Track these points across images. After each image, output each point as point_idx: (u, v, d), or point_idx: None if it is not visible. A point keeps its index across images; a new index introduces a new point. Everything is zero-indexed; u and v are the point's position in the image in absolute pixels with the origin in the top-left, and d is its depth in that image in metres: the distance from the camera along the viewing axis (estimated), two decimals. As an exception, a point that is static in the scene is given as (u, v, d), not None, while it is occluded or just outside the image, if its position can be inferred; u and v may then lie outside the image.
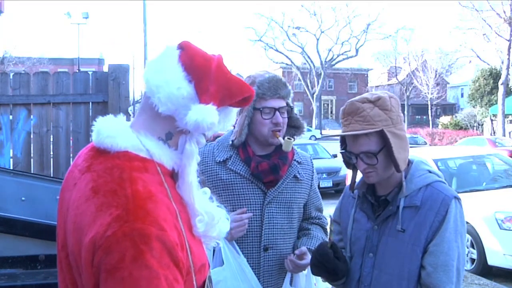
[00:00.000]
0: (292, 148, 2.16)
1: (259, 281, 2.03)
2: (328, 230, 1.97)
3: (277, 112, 2.06)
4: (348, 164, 1.82)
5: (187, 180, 1.18)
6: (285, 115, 2.11)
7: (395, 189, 1.74)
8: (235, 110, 1.27)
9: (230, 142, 2.12)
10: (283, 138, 2.08)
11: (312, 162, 2.30)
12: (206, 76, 1.17)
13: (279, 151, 2.13)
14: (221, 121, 1.21)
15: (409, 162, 1.77)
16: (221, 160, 2.10)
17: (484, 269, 6.13)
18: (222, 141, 2.18)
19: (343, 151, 1.78)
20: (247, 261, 2.02)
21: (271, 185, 2.10)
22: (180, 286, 1.05)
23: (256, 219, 2.06)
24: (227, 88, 1.19)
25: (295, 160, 2.20)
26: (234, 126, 2.12)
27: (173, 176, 1.19)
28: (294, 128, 2.22)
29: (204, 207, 1.20)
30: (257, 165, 2.07)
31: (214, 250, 1.98)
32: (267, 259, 2.08)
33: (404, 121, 1.82)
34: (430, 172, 1.76)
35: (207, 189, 1.28)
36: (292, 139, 2.10)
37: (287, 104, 2.12)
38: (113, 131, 1.16)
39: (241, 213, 2.02)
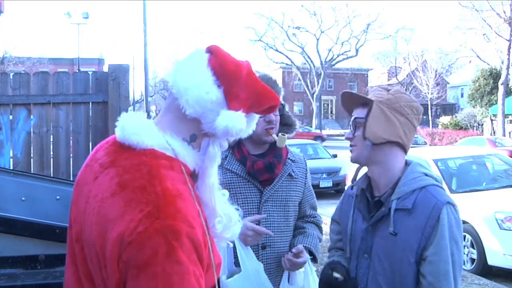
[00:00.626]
0: (286, 147, 2.19)
1: None
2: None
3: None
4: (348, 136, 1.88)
5: (208, 182, 1.21)
6: (277, 113, 2.13)
7: (389, 190, 1.72)
8: (257, 116, 1.30)
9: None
10: (277, 135, 2.10)
11: (305, 161, 2.33)
12: (237, 82, 1.19)
13: (274, 150, 2.16)
14: (245, 127, 1.23)
15: (406, 164, 1.77)
16: None
17: (484, 269, 6.12)
18: None
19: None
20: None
21: (267, 183, 2.13)
22: (203, 282, 1.07)
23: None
24: (256, 96, 1.22)
25: (289, 158, 2.23)
26: None
27: (193, 176, 1.21)
28: (286, 126, 2.25)
29: (223, 209, 1.23)
30: (252, 164, 2.09)
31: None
32: (265, 257, 2.11)
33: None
34: (426, 175, 1.73)
35: (225, 191, 1.29)
36: (286, 135, 2.12)
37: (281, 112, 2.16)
38: (139, 128, 1.17)
39: (254, 220, 2.03)
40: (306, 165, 2.31)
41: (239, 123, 1.17)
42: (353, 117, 1.78)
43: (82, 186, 1.20)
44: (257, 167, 2.09)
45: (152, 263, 0.99)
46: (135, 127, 1.18)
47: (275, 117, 2.10)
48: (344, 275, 1.78)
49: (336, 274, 1.78)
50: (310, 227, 2.28)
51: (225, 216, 1.21)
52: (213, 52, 1.21)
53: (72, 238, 1.19)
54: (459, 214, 1.68)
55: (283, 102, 2.19)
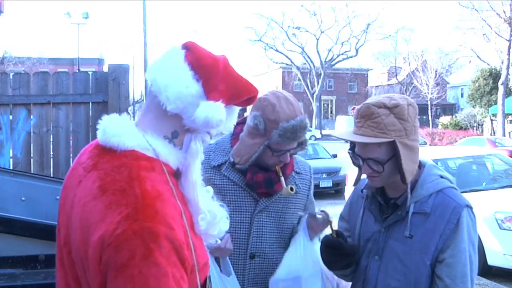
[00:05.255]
0: (292, 156, 2.10)
1: None
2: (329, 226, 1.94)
3: (287, 153, 2.00)
4: (354, 163, 1.79)
5: (191, 179, 1.20)
6: (292, 152, 2.04)
7: (405, 194, 1.67)
8: (238, 109, 1.29)
9: (232, 160, 2.04)
10: (292, 167, 2.05)
11: (311, 172, 2.24)
12: (215, 75, 1.19)
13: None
14: (225, 120, 1.22)
15: (421, 166, 1.74)
16: (216, 164, 2.07)
17: (484, 269, 6.12)
18: (220, 144, 2.13)
19: (350, 151, 1.75)
20: (232, 267, 1.98)
21: (264, 195, 2.06)
22: (185, 284, 1.06)
23: (245, 227, 2.03)
24: (235, 88, 1.22)
25: (294, 171, 2.15)
26: (237, 137, 2.06)
27: (176, 174, 1.20)
28: (299, 144, 2.09)
29: (207, 205, 1.22)
30: (252, 176, 2.02)
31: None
32: (253, 266, 2.05)
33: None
34: (442, 177, 1.71)
35: (209, 188, 1.29)
36: (294, 190, 2.03)
37: (300, 143, 2.03)
38: (119, 130, 1.17)
39: (226, 241, 1.93)
40: (311, 177, 2.22)
41: (219, 113, 1.17)
42: (369, 158, 1.64)
43: (68, 190, 1.20)
44: (256, 179, 2.02)
45: (129, 265, 1.00)
46: (116, 129, 1.17)
47: (289, 158, 2.01)
48: (344, 237, 1.78)
49: (333, 233, 1.78)
50: None
51: (209, 213, 1.20)
52: (189, 48, 1.22)
53: (60, 242, 1.20)
54: (475, 216, 1.68)
55: (303, 144, 2.04)
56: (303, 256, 1.99)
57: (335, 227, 1.90)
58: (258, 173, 2.03)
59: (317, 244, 2.09)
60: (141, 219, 1.03)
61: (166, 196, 1.11)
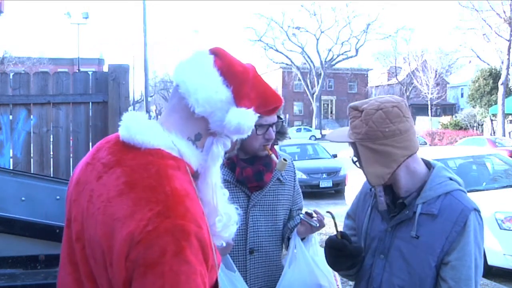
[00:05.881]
0: (275, 150, 2.17)
1: (246, 283, 2.03)
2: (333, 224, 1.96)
3: (270, 128, 2.07)
4: None
5: (210, 181, 1.23)
6: (275, 128, 2.13)
7: (413, 194, 1.69)
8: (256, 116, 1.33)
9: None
10: (277, 157, 2.09)
11: (293, 164, 2.32)
12: (245, 82, 1.23)
13: (263, 156, 2.13)
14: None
15: (431, 167, 1.75)
16: None
17: (484, 269, 6.10)
18: None
19: None
20: (234, 264, 2.02)
21: (255, 189, 2.13)
22: (207, 282, 1.08)
23: (242, 223, 2.07)
24: (264, 96, 1.26)
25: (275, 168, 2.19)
26: None
27: (194, 176, 1.22)
28: (279, 133, 2.23)
29: (224, 207, 1.25)
30: (241, 171, 2.09)
31: None
32: (253, 261, 2.11)
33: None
34: (451, 179, 1.71)
35: (226, 191, 1.31)
36: (287, 161, 2.10)
37: (278, 117, 2.14)
38: (144, 128, 1.18)
39: None
40: (294, 168, 2.31)
41: (250, 120, 1.21)
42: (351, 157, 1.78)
43: (83, 185, 1.19)
44: (246, 174, 2.09)
45: (160, 262, 1.00)
46: (140, 127, 1.19)
47: (273, 134, 2.09)
48: (349, 238, 1.80)
49: (338, 235, 1.80)
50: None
51: (225, 215, 1.23)
52: (218, 54, 1.24)
53: (71, 237, 1.19)
54: (482, 220, 1.67)
55: (282, 117, 2.18)
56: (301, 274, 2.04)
57: (341, 225, 1.92)
58: (247, 167, 2.09)
59: (315, 246, 2.11)
60: (173, 217, 1.04)
61: (193, 195, 1.13)
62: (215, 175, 1.24)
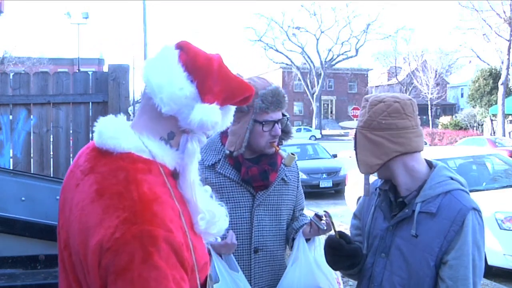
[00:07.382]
0: (279, 149, 2.16)
1: (250, 283, 2.04)
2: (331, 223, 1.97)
3: (276, 125, 2.07)
4: None
5: (189, 179, 1.20)
6: (281, 126, 2.12)
7: (413, 192, 1.70)
8: (233, 108, 1.29)
9: (228, 152, 2.10)
10: (285, 152, 2.09)
11: (296, 164, 2.32)
12: (209, 76, 1.18)
13: (268, 155, 2.13)
14: (222, 120, 1.22)
15: (432, 167, 1.75)
16: (210, 164, 2.11)
17: (484, 269, 6.10)
18: (210, 143, 2.18)
19: None
20: (238, 263, 2.02)
21: (260, 189, 2.12)
22: (186, 285, 1.06)
23: (246, 222, 2.09)
24: (230, 88, 1.21)
25: (282, 163, 2.21)
26: (226, 134, 2.11)
27: (174, 175, 1.20)
28: (283, 132, 2.22)
29: (206, 205, 1.22)
30: (247, 171, 2.08)
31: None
32: (258, 260, 2.11)
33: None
34: (452, 179, 1.71)
35: (208, 187, 1.29)
36: (295, 156, 2.11)
37: (283, 114, 2.13)
38: (115, 132, 1.17)
39: (231, 237, 1.99)
40: (297, 168, 2.31)
41: (214, 116, 1.17)
42: None
43: (66, 193, 1.20)
44: (251, 173, 2.08)
45: (128, 268, 1.00)
46: (112, 131, 1.17)
47: (279, 130, 2.09)
48: (347, 238, 1.82)
49: (336, 234, 1.82)
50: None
51: (208, 213, 1.20)
52: (183, 48, 1.20)
53: (61, 245, 1.19)
54: (483, 220, 1.67)
55: (287, 114, 2.16)
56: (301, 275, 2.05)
57: (341, 225, 1.92)
58: (252, 167, 2.09)
59: (319, 248, 2.12)
60: (140, 223, 1.03)
61: (164, 198, 1.11)
62: (194, 173, 1.21)
